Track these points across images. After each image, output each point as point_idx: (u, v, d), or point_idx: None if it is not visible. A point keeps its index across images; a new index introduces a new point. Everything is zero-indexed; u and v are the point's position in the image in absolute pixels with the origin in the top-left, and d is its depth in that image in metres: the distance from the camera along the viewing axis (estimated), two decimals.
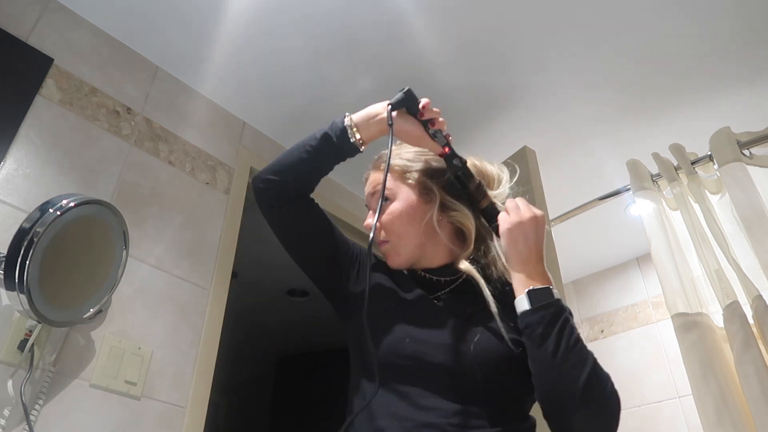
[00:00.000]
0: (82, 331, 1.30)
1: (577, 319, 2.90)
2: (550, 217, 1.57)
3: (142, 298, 1.44)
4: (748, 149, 1.63)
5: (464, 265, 0.89)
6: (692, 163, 1.70)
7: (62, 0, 1.59)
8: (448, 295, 0.91)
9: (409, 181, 0.95)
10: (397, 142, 0.98)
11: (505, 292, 0.87)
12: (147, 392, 1.36)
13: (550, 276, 0.82)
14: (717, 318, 1.48)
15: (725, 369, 1.39)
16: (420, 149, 0.97)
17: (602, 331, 2.78)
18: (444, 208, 0.92)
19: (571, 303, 2.94)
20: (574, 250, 2.70)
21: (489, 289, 0.85)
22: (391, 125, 0.90)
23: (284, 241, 0.97)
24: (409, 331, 0.83)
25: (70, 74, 1.52)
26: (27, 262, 1.01)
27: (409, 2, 1.62)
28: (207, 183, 1.77)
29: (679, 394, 2.40)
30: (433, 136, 0.92)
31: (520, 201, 0.87)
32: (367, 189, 1.00)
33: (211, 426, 1.63)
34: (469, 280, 0.89)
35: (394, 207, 0.93)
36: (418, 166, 0.96)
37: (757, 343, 1.36)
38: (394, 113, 0.91)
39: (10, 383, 1.10)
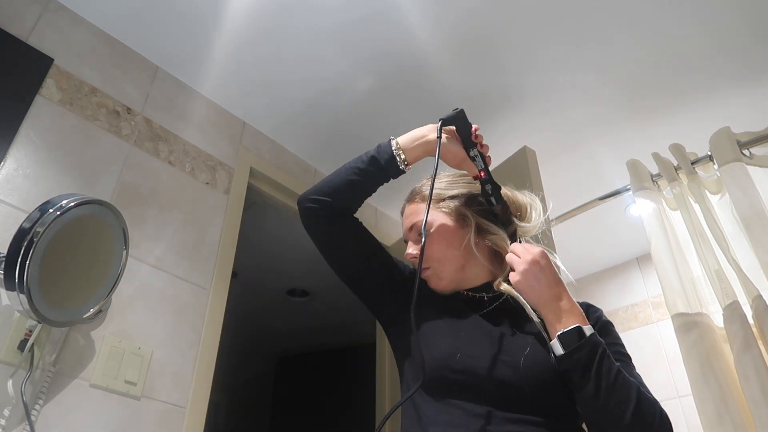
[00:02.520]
0: (82, 331, 1.30)
1: None
2: (550, 217, 1.57)
3: (142, 298, 1.44)
4: (748, 149, 1.63)
5: (504, 286, 0.91)
6: (692, 163, 1.70)
7: (62, 0, 1.59)
8: (495, 311, 0.94)
9: (443, 208, 0.99)
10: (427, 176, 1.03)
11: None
12: (147, 392, 1.36)
13: (577, 306, 0.83)
14: (717, 318, 1.48)
15: (725, 369, 1.39)
16: (452, 179, 1.03)
17: None
18: (480, 231, 0.96)
19: None
20: (574, 250, 2.70)
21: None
22: (439, 138, 0.95)
23: (330, 258, 1.01)
24: (459, 346, 0.86)
25: (70, 74, 1.53)
26: (27, 262, 1.01)
27: (410, 3, 1.62)
28: (207, 183, 1.77)
29: (679, 394, 2.39)
30: (473, 159, 0.97)
31: (517, 247, 0.89)
32: (405, 223, 1.04)
33: (211, 426, 1.63)
34: (510, 299, 0.92)
35: (432, 234, 0.96)
36: (451, 192, 1.00)
37: (757, 343, 1.35)
38: (444, 128, 0.97)
39: (10, 383, 1.10)
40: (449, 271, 0.96)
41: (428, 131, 0.98)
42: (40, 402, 1.15)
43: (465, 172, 1.01)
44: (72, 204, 1.11)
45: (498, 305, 0.94)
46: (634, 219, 2.34)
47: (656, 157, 1.78)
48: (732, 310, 1.42)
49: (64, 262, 1.15)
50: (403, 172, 0.98)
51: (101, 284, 1.25)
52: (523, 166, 1.61)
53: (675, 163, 1.75)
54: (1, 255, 1.07)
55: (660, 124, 2.03)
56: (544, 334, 0.84)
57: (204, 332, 1.55)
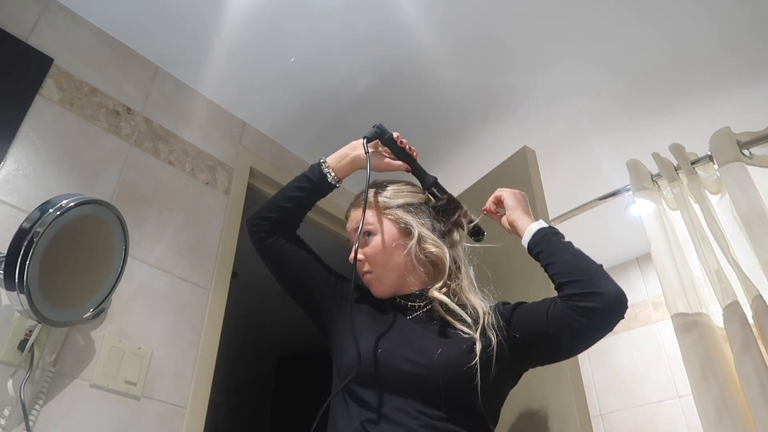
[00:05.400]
0: (82, 331, 1.30)
1: None
2: (550, 217, 1.57)
3: (142, 298, 1.44)
4: (748, 149, 1.63)
5: (436, 293, 1.02)
6: (692, 163, 1.70)
7: (62, 0, 1.59)
8: (420, 317, 1.04)
9: (390, 216, 1.08)
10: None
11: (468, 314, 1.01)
12: (147, 392, 1.36)
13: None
14: (717, 318, 1.48)
15: (725, 369, 1.39)
16: (397, 188, 1.12)
17: None
18: (422, 241, 1.05)
19: None
20: None
21: (457, 309, 0.99)
22: (367, 153, 1.08)
23: (280, 271, 1.11)
24: (382, 344, 0.96)
25: (70, 74, 1.52)
26: (27, 262, 1.01)
27: (410, 3, 1.62)
28: (207, 183, 1.77)
29: (679, 394, 2.39)
30: (403, 160, 1.12)
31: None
32: (350, 225, 1.12)
33: (211, 426, 1.63)
34: (438, 305, 1.02)
35: (377, 240, 1.05)
36: (398, 201, 1.09)
37: (757, 343, 1.35)
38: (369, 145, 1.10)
39: (10, 383, 1.10)
40: (391, 276, 1.05)
41: (351, 149, 1.11)
42: (40, 402, 1.15)
43: (408, 182, 1.15)
44: (72, 204, 1.11)
45: (425, 312, 1.04)
46: (634, 219, 2.34)
47: (656, 157, 1.78)
48: (732, 310, 1.42)
49: (65, 262, 1.15)
50: (336, 186, 1.11)
51: (101, 284, 1.25)
52: (523, 166, 1.61)
53: (675, 163, 1.75)
54: (1, 255, 1.07)
55: (660, 124, 2.03)
56: (470, 332, 0.95)
57: (204, 332, 1.55)
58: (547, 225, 1.03)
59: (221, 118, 1.94)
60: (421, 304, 1.05)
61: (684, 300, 1.52)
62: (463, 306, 1.01)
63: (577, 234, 2.50)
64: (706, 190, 1.66)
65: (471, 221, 1.12)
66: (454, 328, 0.97)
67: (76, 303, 1.19)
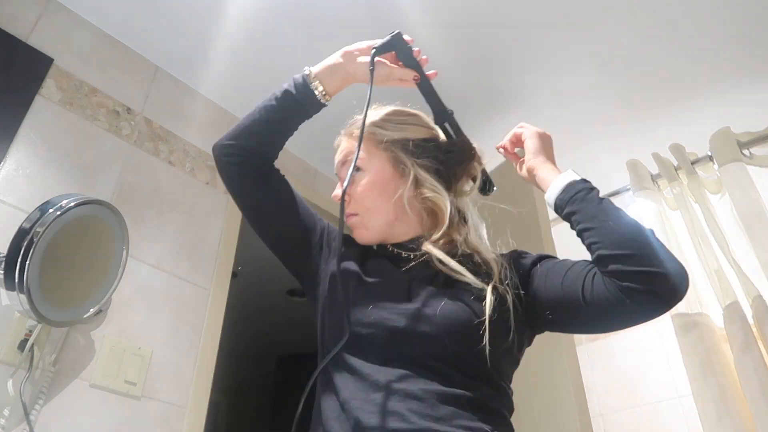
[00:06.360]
0: (82, 331, 1.30)
1: None
2: (550, 217, 1.57)
3: (142, 298, 1.44)
4: (748, 149, 1.63)
5: (428, 247, 0.83)
6: (692, 163, 1.70)
7: (62, 0, 1.59)
8: (416, 268, 0.84)
9: (383, 151, 0.89)
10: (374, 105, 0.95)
11: (471, 268, 0.82)
12: (147, 392, 1.36)
13: None
14: (717, 318, 1.48)
15: (725, 369, 1.39)
16: (400, 119, 0.93)
17: None
18: (418, 185, 0.86)
19: None
20: (574, 250, 2.69)
21: (457, 263, 0.80)
22: (372, 69, 0.87)
23: (249, 213, 0.92)
24: (373, 300, 0.78)
25: (70, 74, 1.52)
26: (27, 262, 1.01)
27: (412, 7, 1.62)
28: (207, 183, 1.77)
29: (679, 394, 2.39)
30: (425, 95, 0.93)
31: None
32: (338, 157, 0.94)
33: (211, 426, 1.63)
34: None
35: (366, 178, 0.87)
36: (395, 135, 0.90)
37: (757, 343, 1.36)
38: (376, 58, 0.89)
39: (10, 383, 1.10)
40: (377, 222, 0.87)
41: (347, 59, 0.90)
42: (40, 402, 1.15)
43: (415, 113, 0.96)
44: (72, 204, 1.11)
45: (420, 262, 0.84)
46: None
47: (656, 157, 1.78)
48: (732, 310, 1.42)
49: (64, 262, 1.15)
50: (323, 105, 0.89)
51: (101, 284, 1.25)
52: None
53: (675, 163, 1.75)
54: (1, 255, 1.07)
55: (660, 124, 2.03)
56: (479, 285, 0.78)
57: (204, 332, 1.55)
58: (579, 177, 0.84)
59: (221, 118, 1.94)
60: (417, 254, 0.85)
61: (684, 300, 1.52)
62: (468, 256, 0.83)
63: None
64: (706, 190, 1.66)
65: (484, 170, 0.94)
66: (459, 281, 0.79)
67: (76, 303, 1.19)
